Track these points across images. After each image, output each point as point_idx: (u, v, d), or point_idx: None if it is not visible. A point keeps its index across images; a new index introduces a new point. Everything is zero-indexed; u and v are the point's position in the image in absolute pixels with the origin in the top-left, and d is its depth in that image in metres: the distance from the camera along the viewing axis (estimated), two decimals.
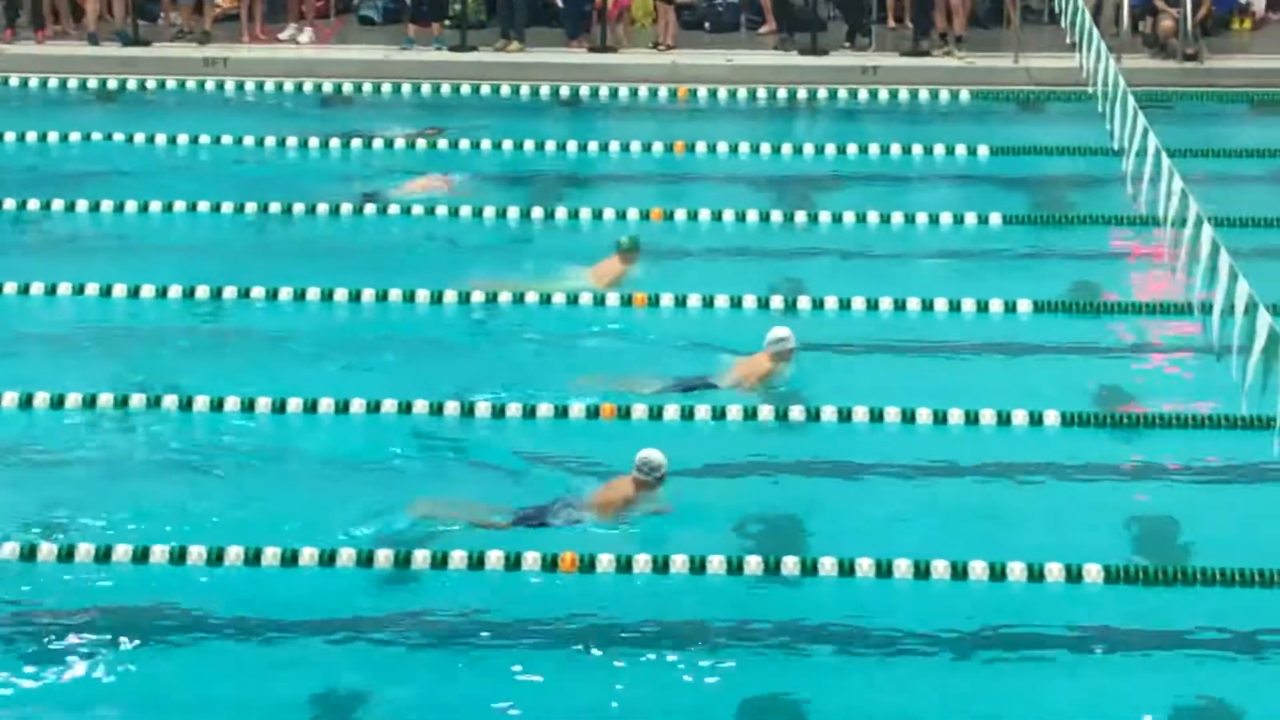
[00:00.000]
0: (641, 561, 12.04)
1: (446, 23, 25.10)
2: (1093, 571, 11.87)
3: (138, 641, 11.21)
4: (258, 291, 16.62)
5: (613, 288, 16.78)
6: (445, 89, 23.54)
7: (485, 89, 23.51)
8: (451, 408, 14.33)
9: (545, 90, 23.49)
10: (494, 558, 12.04)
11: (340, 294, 16.57)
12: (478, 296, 16.58)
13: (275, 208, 19.01)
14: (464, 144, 21.19)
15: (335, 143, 21.24)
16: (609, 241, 17.43)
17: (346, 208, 18.91)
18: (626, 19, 25.24)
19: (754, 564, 12.07)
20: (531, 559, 12.02)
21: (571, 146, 21.27)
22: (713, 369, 14.97)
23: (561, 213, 19.00)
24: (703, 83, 23.79)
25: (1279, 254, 17.65)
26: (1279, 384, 9.09)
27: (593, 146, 21.31)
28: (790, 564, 12.06)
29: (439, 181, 19.73)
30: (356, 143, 21.27)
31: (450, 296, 16.55)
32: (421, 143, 21.25)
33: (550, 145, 21.22)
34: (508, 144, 21.16)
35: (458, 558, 12.05)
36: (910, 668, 11.13)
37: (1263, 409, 9.77)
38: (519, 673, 10.90)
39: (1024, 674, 11.11)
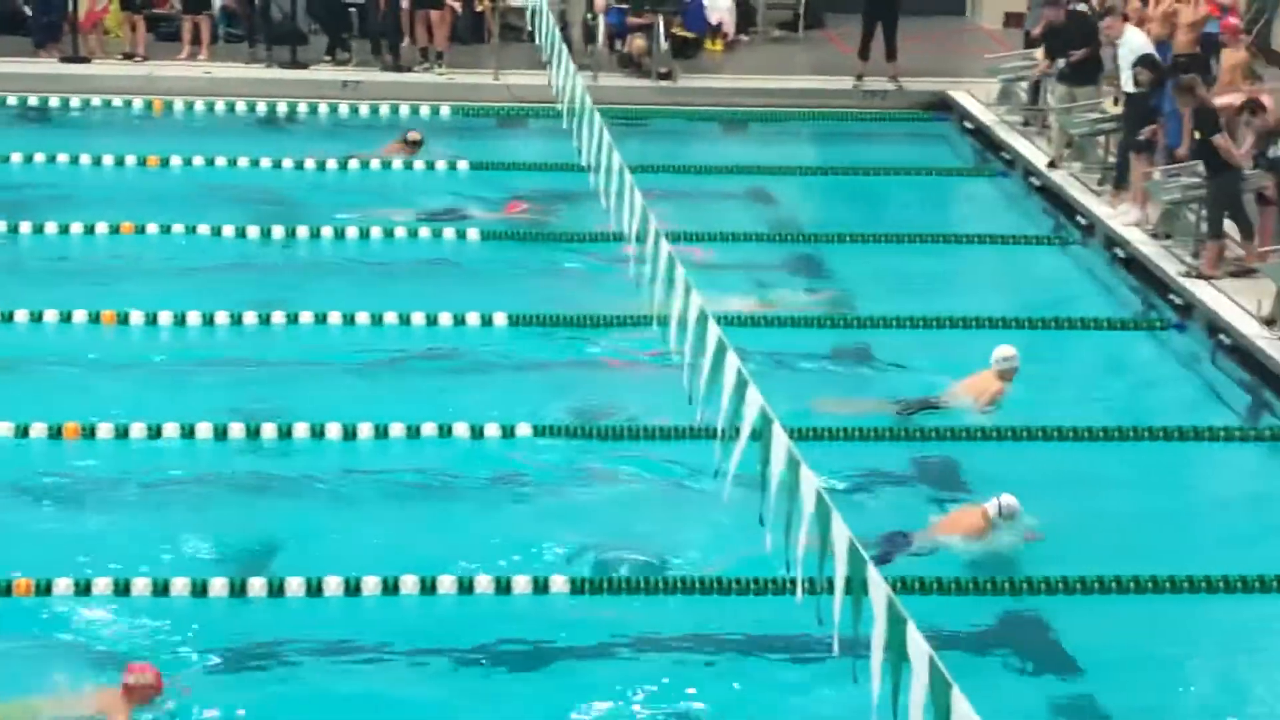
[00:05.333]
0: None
1: None
2: (559, 582, 11.98)
3: None
4: None
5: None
6: None
7: None
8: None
9: (12, 100, 22.73)
10: None
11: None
12: None
13: None
14: None
15: None
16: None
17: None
18: (100, 29, 24.60)
19: (219, 586, 11.83)
20: None
21: (39, 159, 20.62)
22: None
23: (26, 227, 18.38)
24: (180, 95, 23.35)
25: (745, 266, 18.23)
26: (723, 393, 9.30)
27: (62, 159, 20.71)
28: (257, 585, 11.85)
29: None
30: None
31: None
32: None
33: (17, 157, 20.54)
34: None
35: None
36: (384, 683, 11.05)
37: (718, 420, 9.94)
38: None
39: (494, 683, 11.13)
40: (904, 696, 6.46)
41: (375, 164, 21.03)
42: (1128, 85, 19.37)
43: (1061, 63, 21.11)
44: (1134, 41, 19.64)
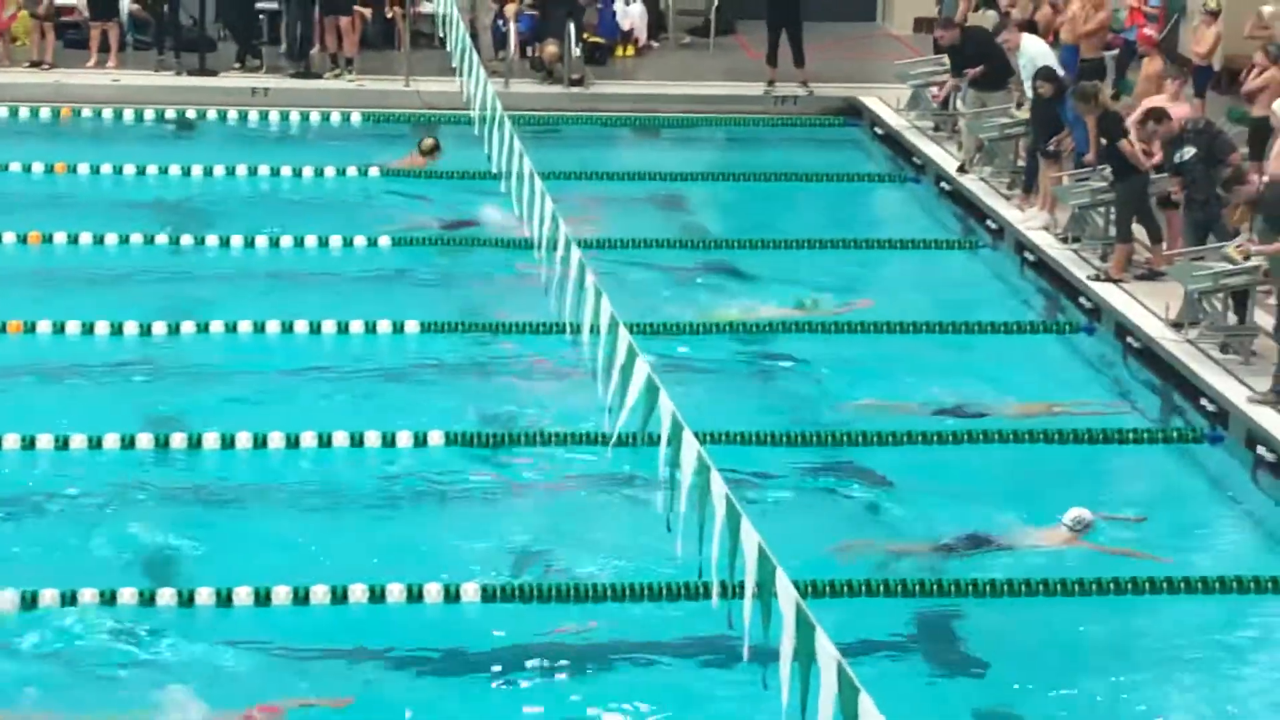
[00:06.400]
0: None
1: None
2: (470, 590, 11.94)
3: None
4: None
5: None
6: None
7: None
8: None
9: None
10: None
11: None
12: None
13: None
14: None
15: None
16: None
17: None
18: (7, 37, 24.40)
19: (128, 595, 11.73)
20: None
21: None
22: None
23: None
24: (88, 103, 23.19)
25: (656, 271, 18.25)
26: (630, 399, 9.30)
27: None
28: (167, 595, 11.76)
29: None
30: None
31: None
32: None
33: None
34: None
35: None
36: (293, 691, 10.99)
37: (629, 427, 9.95)
38: None
39: (413, 692, 11.09)
40: (813, 702, 6.48)
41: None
42: (1030, 94, 19.47)
43: (965, 78, 21.20)
44: (1031, 50, 19.74)
